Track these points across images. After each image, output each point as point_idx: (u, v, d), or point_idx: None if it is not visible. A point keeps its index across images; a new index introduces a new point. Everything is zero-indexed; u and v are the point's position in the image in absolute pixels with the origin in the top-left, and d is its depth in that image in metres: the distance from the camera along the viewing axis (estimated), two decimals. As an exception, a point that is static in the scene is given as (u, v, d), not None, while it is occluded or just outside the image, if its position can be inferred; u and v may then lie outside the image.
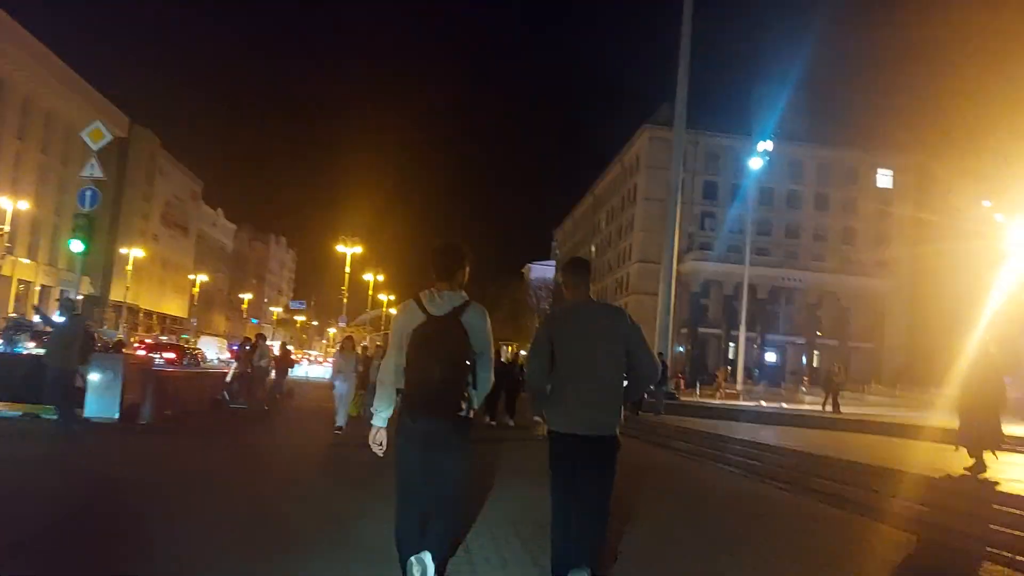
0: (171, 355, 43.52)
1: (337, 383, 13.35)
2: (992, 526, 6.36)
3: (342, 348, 14.39)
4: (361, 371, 13.95)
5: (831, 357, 64.23)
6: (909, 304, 65.62)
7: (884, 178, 72.26)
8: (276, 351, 18.64)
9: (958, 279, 48.34)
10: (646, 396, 19.83)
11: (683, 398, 32.66)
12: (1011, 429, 18.86)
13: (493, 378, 4.23)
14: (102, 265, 64.30)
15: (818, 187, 71.16)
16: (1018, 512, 6.45)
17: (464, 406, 4.00)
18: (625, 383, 4.34)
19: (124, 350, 22.17)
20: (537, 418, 4.47)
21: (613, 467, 4.26)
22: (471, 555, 5.10)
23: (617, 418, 4.25)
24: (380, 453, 4.16)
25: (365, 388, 13.69)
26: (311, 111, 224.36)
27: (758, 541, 6.17)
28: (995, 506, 6.78)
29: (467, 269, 4.28)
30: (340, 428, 12.84)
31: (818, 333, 65.13)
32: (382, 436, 4.15)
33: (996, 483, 7.81)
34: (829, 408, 23.34)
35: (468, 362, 4.02)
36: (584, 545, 4.12)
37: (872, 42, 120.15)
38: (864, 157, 70.76)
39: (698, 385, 42.17)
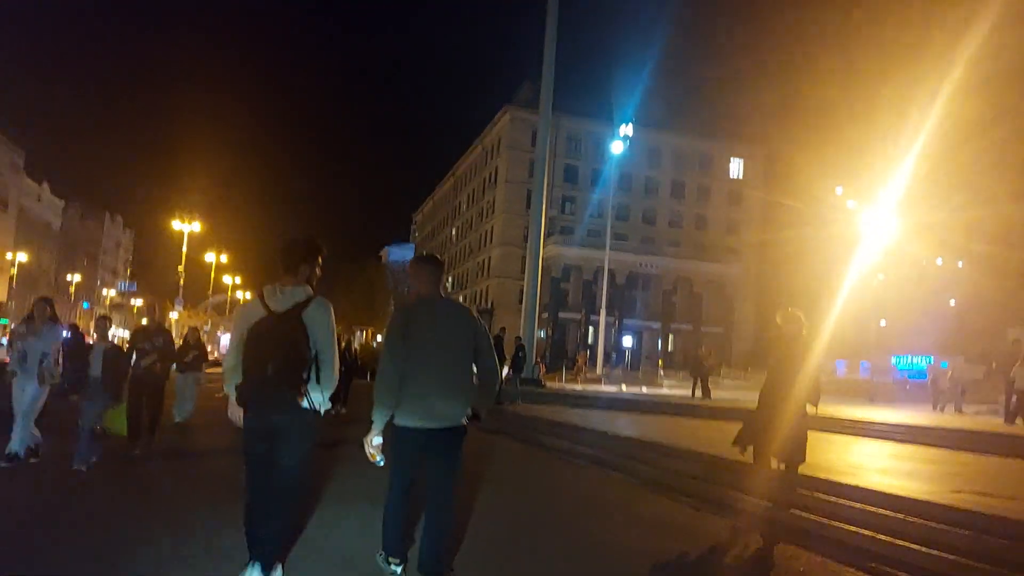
0: None
1: (15, 384, 7.85)
2: (793, 510, 6.54)
3: (28, 319, 8.26)
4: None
5: (686, 341, 65.97)
6: (756, 289, 68.38)
7: (736, 167, 74.89)
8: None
9: (804, 264, 50.59)
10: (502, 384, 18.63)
11: (546, 383, 31.71)
12: (859, 412, 19.01)
13: (337, 375, 4.17)
14: None
15: (674, 174, 72.74)
16: (816, 495, 6.65)
17: (301, 402, 3.96)
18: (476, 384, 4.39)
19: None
20: (376, 441, 4.18)
21: (460, 454, 4.33)
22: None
23: (466, 408, 4.27)
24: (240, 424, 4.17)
25: (80, 393, 8.46)
26: (153, 80, 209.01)
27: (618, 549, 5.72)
28: (800, 491, 6.77)
29: (316, 263, 4.23)
30: (14, 457, 7.63)
31: (672, 324, 66.60)
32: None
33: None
34: (699, 394, 22.76)
35: (305, 358, 3.96)
36: (436, 538, 4.18)
37: (733, 33, 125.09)
38: (718, 146, 73.03)
39: (564, 370, 41.49)
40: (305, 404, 3.98)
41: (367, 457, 4.20)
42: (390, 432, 4.20)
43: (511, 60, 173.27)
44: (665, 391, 34.95)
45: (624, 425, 13.50)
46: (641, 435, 11.24)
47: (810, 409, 6.62)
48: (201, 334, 13.95)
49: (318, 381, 4.01)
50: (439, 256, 4.74)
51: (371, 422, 4.17)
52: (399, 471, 4.22)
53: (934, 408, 23.19)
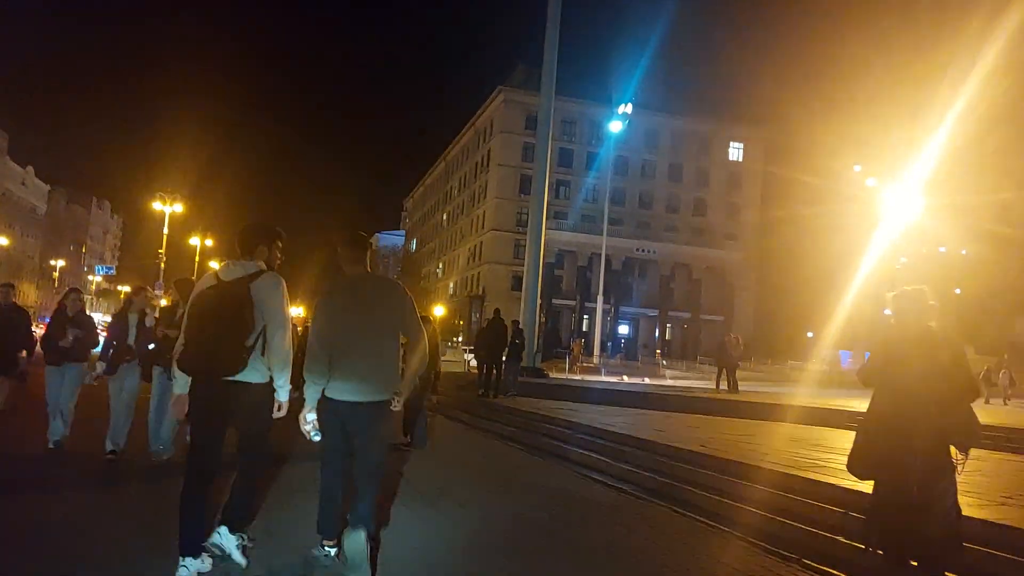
0: None
1: None
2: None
3: None
4: None
5: (684, 330, 64.23)
6: (757, 276, 66.58)
7: (735, 151, 72.81)
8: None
9: (811, 248, 48.90)
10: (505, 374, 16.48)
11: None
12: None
13: (289, 350, 4.21)
14: None
15: (672, 157, 70.64)
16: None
17: (245, 369, 3.98)
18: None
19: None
20: (310, 417, 4.26)
21: (384, 425, 4.40)
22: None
23: (392, 382, 4.35)
24: (181, 417, 4.33)
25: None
26: (141, 63, 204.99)
27: None
28: None
29: (274, 247, 4.37)
30: None
31: (669, 311, 64.80)
32: (184, 402, 4.13)
33: None
34: (725, 387, 20.76)
35: (246, 324, 3.98)
36: (361, 505, 4.27)
37: (740, 10, 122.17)
38: (717, 129, 70.87)
39: (567, 360, 39.39)
40: (260, 377, 4.07)
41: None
42: (320, 404, 4.27)
43: (505, 46, 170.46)
44: (669, 382, 33.25)
45: (665, 430, 11.11)
46: (712, 450, 8.37)
47: (958, 458, 4.09)
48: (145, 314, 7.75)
49: (263, 354, 4.06)
50: (364, 234, 4.76)
51: (303, 399, 4.25)
52: (327, 442, 4.31)
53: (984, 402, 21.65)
